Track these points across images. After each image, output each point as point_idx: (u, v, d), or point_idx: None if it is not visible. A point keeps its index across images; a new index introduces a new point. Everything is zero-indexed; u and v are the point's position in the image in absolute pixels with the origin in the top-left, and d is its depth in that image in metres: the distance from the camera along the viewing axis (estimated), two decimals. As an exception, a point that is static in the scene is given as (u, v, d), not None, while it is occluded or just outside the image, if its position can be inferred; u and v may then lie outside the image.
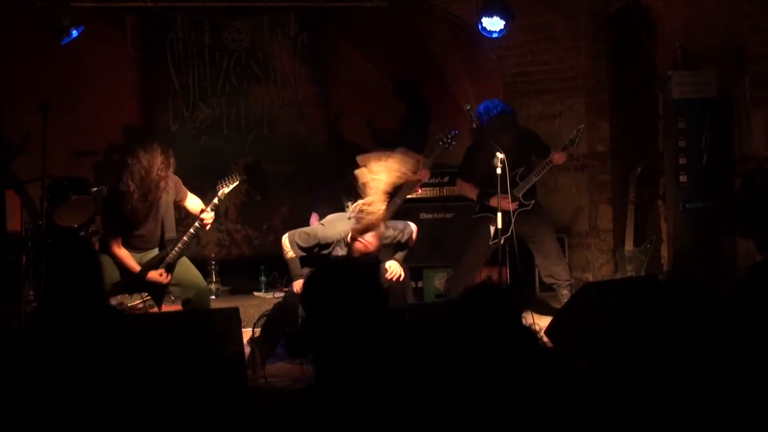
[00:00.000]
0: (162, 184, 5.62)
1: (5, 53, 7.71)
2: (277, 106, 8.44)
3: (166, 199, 5.76)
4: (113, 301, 6.05)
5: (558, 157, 6.58)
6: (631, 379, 2.53)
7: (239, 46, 8.33)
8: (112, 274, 5.65)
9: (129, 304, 6.82)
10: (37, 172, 6.42)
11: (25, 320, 5.90)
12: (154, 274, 5.72)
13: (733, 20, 6.46)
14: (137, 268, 5.72)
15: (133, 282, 5.78)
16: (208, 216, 5.79)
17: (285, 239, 5.77)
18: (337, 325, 2.33)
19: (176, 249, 5.76)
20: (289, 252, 5.73)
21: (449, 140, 6.51)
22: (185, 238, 5.76)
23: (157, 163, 5.57)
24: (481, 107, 6.67)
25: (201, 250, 8.02)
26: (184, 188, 5.89)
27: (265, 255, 7.99)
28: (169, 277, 5.77)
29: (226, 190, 5.89)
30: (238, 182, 5.97)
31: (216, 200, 5.84)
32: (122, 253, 5.70)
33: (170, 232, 5.86)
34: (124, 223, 5.67)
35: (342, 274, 2.45)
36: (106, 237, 5.77)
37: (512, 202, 6.41)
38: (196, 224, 5.78)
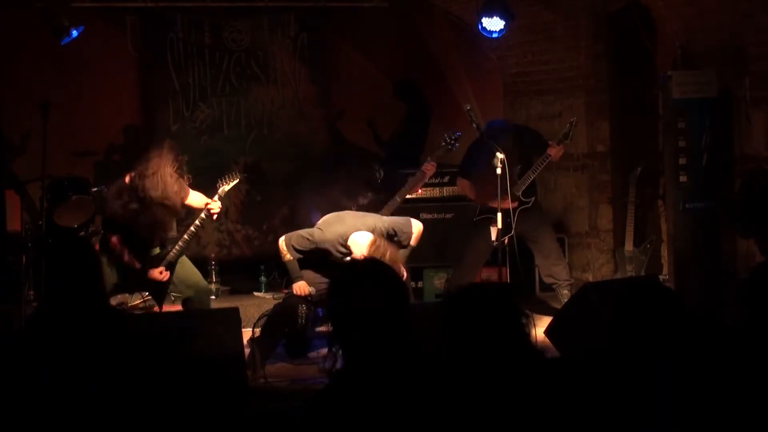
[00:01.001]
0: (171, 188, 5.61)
1: (5, 53, 7.71)
2: (277, 106, 8.44)
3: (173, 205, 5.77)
4: (113, 301, 6.05)
5: (555, 152, 6.58)
6: (630, 379, 2.53)
7: (239, 46, 8.33)
8: (109, 276, 5.65)
9: (129, 304, 6.83)
10: (37, 172, 6.42)
11: (25, 321, 5.90)
12: (154, 273, 5.72)
13: (733, 20, 6.46)
14: (138, 265, 5.73)
15: (134, 281, 5.78)
16: (216, 205, 5.79)
17: (281, 242, 5.76)
18: (363, 320, 2.35)
19: (177, 248, 5.76)
20: (286, 255, 5.72)
21: (452, 141, 6.51)
22: (186, 236, 5.77)
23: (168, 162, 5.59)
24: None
25: (201, 250, 8.02)
26: (186, 186, 5.90)
27: (265, 255, 7.99)
28: (169, 274, 5.77)
29: (227, 187, 5.90)
30: (238, 180, 5.98)
31: (217, 198, 5.84)
32: (123, 250, 5.71)
33: (171, 231, 5.88)
34: (126, 220, 5.68)
35: (367, 272, 2.48)
36: (108, 234, 5.77)
37: (512, 200, 6.42)
38: (202, 215, 5.77)
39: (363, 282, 2.43)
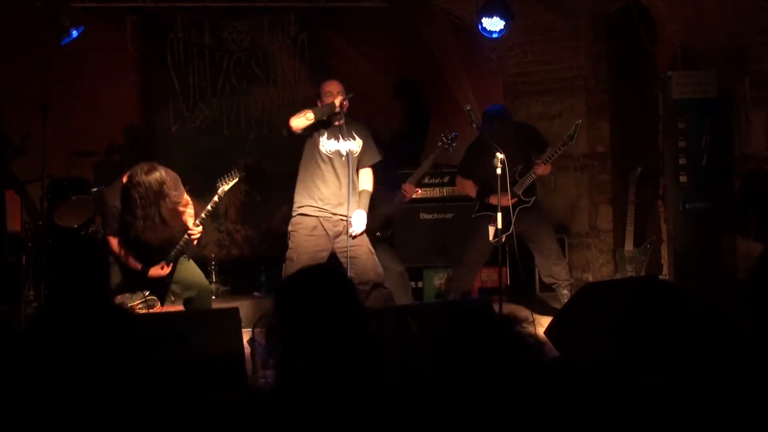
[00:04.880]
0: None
1: (5, 53, 7.71)
2: (277, 106, 8.44)
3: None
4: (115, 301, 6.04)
5: (541, 170, 6.63)
6: (631, 382, 2.52)
7: (239, 46, 8.33)
8: (114, 275, 5.66)
9: (130, 304, 6.82)
10: (37, 172, 6.43)
11: (25, 320, 5.90)
12: (155, 270, 5.70)
13: (733, 21, 6.46)
14: (138, 266, 5.72)
15: (136, 280, 5.76)
16: (197, 230, 5.76)
17: (292, 120, 5.78)
18: (312, 329, 2.33)
19: (177, 247, 5.74)
20: (305, 113, 5.73)
21: (449, 142, 6.51)
22: (185, 236, 5.75)
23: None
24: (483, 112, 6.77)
25: (201, 250, 8.00)
26: (181, 187, 5.88)
27: (265, 255, 7.99)
28: (170, 267, 5.75)
29: (226, 187, 5.87)
30: (237, 179, 5.95)
31: (216, 198, 5.81)
32: (123, 253, 5.70)
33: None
34: (124, 221, 5.67)
35: (317, 279, 2.45)
36: (107, 236, 5.77)
37: (512, 198, 6.43)
38: (186, 236, 5.74)
39: (311, 288, 2.40)
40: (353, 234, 5.85)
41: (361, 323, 2.40)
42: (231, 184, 5.88)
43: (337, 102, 5.68)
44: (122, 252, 5.70)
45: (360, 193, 5.97)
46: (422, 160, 7.19)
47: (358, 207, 5.90)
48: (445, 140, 6.51)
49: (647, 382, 2.44)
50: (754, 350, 2.65)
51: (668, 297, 2.59)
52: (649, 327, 2.52)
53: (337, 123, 5.85)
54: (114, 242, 5.71)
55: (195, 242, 5.85)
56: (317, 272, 2.51)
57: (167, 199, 5.54)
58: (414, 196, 7.36)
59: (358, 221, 5.87)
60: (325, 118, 5.75)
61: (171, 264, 5.77)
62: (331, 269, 2.54)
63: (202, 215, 5.79)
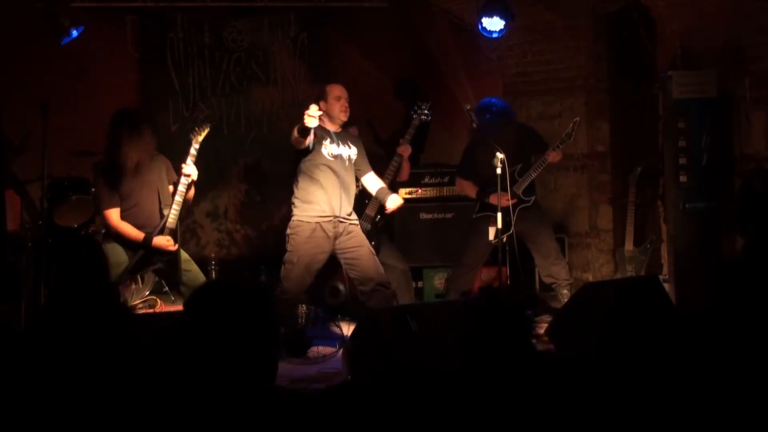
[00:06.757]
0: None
1: (5, 53, 7.70)
2: (277, 106, 8.44)
3: (160, 173, 5.76)
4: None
5: (553, 156, 6.60)
6: (624, 378, 2.53)
7: (239, 46, 8.33)
8: (120, 258, 5.61)
9: (130, 304, 6.82)
10: (37, 172, 6.42)
11: (25, 320, 5.89)
12: (160, 240, 5.65)
13: (733, 20, 6.46)
14: (141, 235, 5.64)
15: (143, 259, 5.70)
16: (190, 168, 5.74)
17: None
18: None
19: (172, 212, 5.69)
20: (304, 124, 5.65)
21: (423, 110, 6.41)
22: (177, 197, 5.71)
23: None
24: (481, 104, 6.72)
25: (201, 250, 8.02)
26: (174, 173, 5.88)
27: (265, 255, 7.98)
28: (176, 245, 5.71)
29: (200, 137, 5.86)
30: (209, 128, 5.93)
31: (193, 150, 5.78)
32: (124, 225, 5.65)
33: (167, 205, 5.83)
34: (121, 194, 5.66)
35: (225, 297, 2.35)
36: (104, 211, 5.70)
37: (512, 198, 6.42)
38: (183, 180, 5.71)
39: (220, 308, 2.31)
40: (388, 209, 5.96)
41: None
42: (204, 134, 5.87)
43: (310, 123, 5.61)
44: (122, 224, 5.65)
45: (379, 190, 6.07)
46: (421, 160, 7.14)
47: (392, 193, 6.04)
48: (418, 111, 6.43)
49: (641, 381, 2.45)
50: (746, 347, 2.66)
51: (651, 297, 2.61)
52: (631, 326, 2.53)
53: (337, 130, 5.89)
54: (113, 215, 5.66)
55: (189, 178, 5.79)
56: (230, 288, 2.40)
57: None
58: (414, 196, 7.36)
59: (395, 198, 6.01)
60: (308, 134, 5.76)
61: (176, 244, 5.72)
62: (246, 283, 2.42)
63: (188, 160, 5.76)
